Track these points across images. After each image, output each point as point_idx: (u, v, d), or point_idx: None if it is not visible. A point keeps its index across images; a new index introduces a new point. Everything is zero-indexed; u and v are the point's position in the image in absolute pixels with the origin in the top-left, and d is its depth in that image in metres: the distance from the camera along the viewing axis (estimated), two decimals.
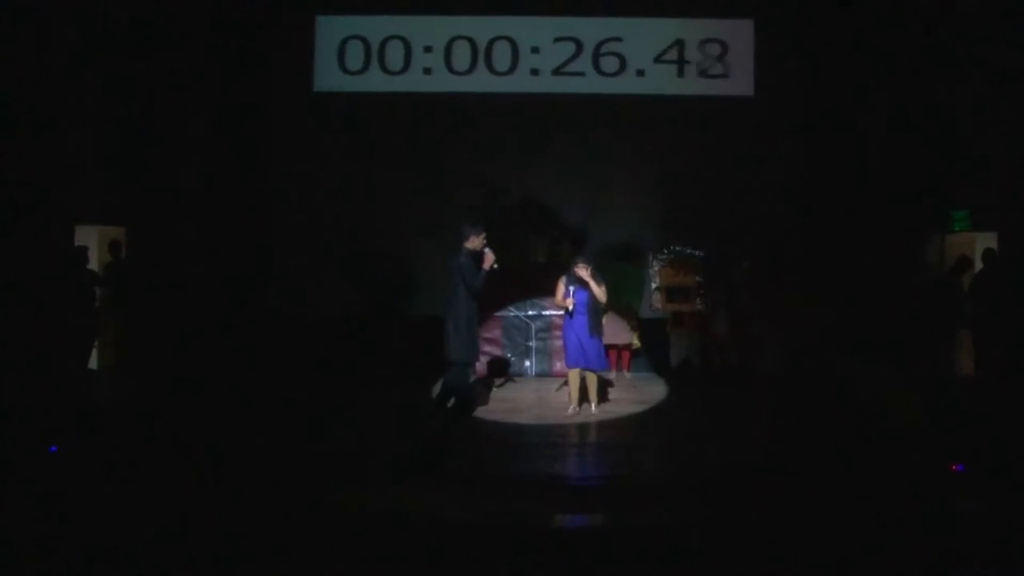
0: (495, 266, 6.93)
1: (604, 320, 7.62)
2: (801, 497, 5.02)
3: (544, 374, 9.82)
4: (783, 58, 10.21)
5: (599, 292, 7.27)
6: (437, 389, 7.01)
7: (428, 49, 10.40)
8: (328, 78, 10.40)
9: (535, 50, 10.41)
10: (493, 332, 9.84)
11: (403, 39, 10.41)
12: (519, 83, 10.34)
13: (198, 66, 9.88)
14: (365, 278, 10.11)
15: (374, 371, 9.33)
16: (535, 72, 10.42)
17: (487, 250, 6.99)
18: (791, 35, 10.14)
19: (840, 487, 5.14)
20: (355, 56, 10.42)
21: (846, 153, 9.85)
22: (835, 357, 8.88)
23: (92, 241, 9.10)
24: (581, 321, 7.28)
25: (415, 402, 7.83)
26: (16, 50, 8.12)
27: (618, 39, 10.37)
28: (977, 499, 4.85)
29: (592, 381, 7.39)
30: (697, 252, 9.86)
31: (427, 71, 10.41)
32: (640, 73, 10.40)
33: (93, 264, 8.95)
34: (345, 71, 10.45)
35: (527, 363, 9.92)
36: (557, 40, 10.41)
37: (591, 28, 10.36)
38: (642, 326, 9.79)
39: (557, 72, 10.42)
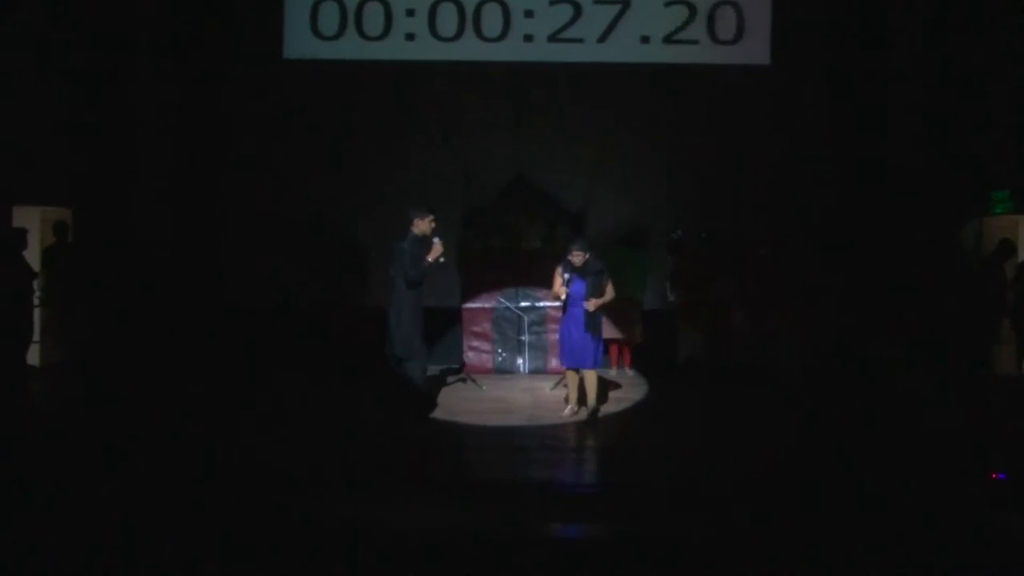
0: (441, 259, 7.02)
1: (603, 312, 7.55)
2: (823, 509, 4.99)
3: (538, 371, 9.80)
4: (802, 23, 10.13)
5: (609, 295, 7.20)
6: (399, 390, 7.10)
7: (410, 12, 10.31)
8: (300, 44, 10.32)
9: (529, 14, 10.33)
10: (482, 326, 9.84)
11: (383, 1, 10.33)
12: (511, 50, 10.27)
13: (155, 31, 9.78)
14: (338, 266, 10.12)
15: (343, 366, 9.32)
16: (529, 38, 10.35)
17: (436, 240, 7.04)
18: None
19: (868, 497, 5.11)
20: (329, 19, 10.34)
21: (872, 127, 9.76)
22: (862, 353, 8.81)
23: (34, 223, 9.01)
24: (577, 314, 7.23)
25: (382, 400, 7.78)
26: None
27: (621, 2, 10.30)
28: (1020, 510, 4.83)
29: (591, 380, 7.32)
30: (710, 236, 9.77)
31: (409, 37, 10.34)
32: (645, 40, 10.30)
33: (34, 249, 8.81)
34: (318, 36, 10.38)
35: (519, 359, 9.92)
36: (553, 3, 10.33)
37: None
38: (646, 318, 9.75)
39: (553, 38, 10.36)
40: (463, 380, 9.18)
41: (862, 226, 9.55)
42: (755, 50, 10.18)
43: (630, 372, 9.50)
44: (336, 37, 10.30)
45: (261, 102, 10.23)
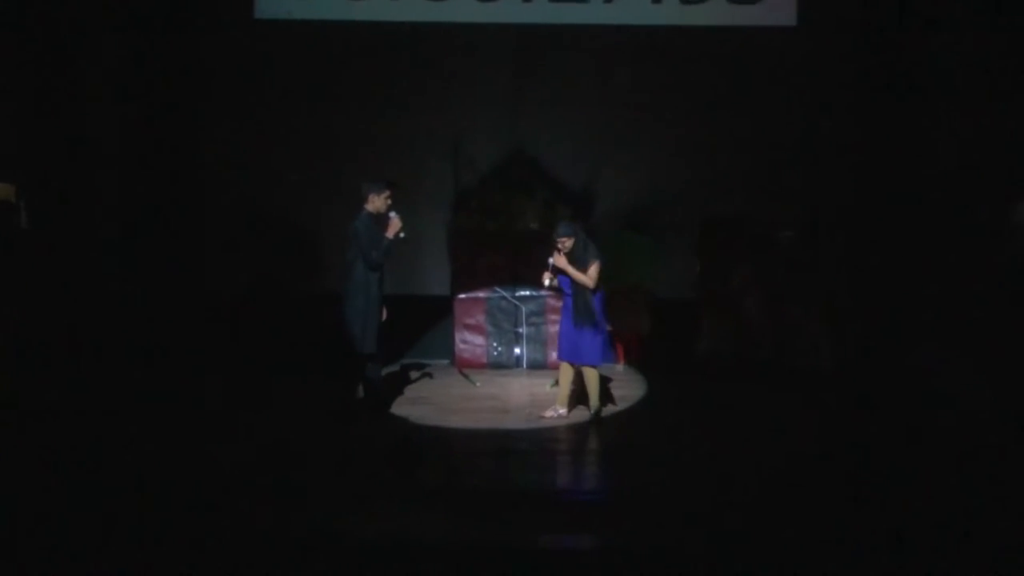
0: (401, 235, 7.07)
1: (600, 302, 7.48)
2: (854, 522, 4.95)
3: (538, 366, 9.75)
4: None
5: (576, 273, 7.08)
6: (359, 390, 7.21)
7: None
8: (273, 2, 10.15)
9: None
10: (475, 317, 9.81)
11: None
12: (508, 11, 10.12)
13: None
14: (316, 251, 10.10)
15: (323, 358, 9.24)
16: None
17: (392, 214, 7.09)
18: None
19: (903, 510, 5.10)
20: None
21: (908, 95, 9.56)
22: (898, 349, 8.70)
23: None
24: (570, 304, 7.23)
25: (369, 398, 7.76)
26: None
27: None
28: None
29: (591, 378, 7.25)
30: (736, 219, 9.71)
31: None
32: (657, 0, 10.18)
33: None
34: None
35: (517, 352, 9.88)
36: None
37: None
38: (655, 309, 9.69)
39: None
40: (456, 376, 9.22)
41: (899, 207, 9.37)
42: (780, 9, 10.03)
43: (620, 367, 9.45)
44: None
45: (229, 66, 10.09)
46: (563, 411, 7.44)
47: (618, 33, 10.06)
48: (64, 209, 8.74)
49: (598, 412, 7.27)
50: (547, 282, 7.21)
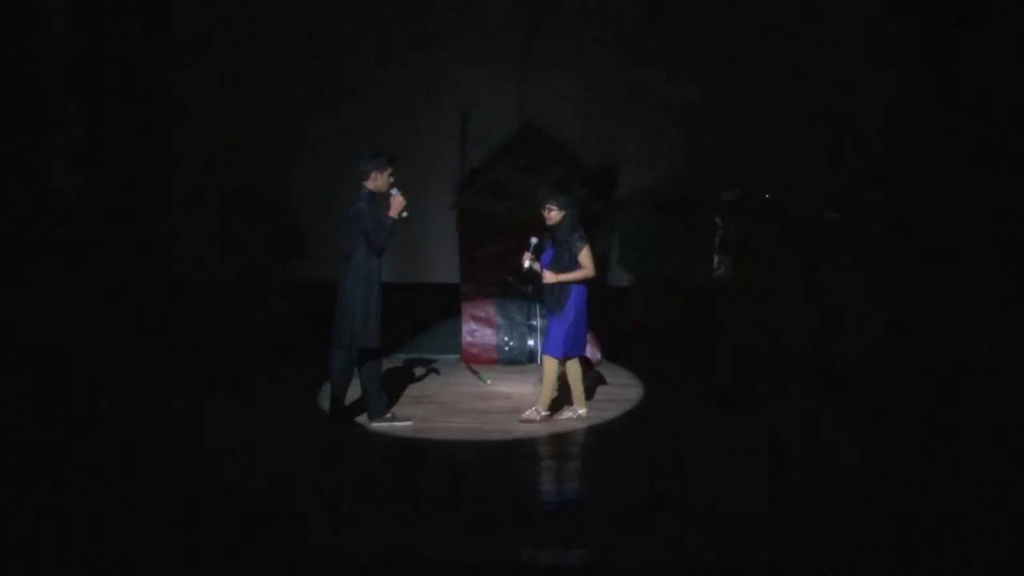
0: (405, 214, 7.01)
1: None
2: (897, 540, 4.92)
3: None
4: None
5: (574, 276, 7.12)
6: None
7: None
8: None
9: None
10: (484, 309, 9.82)
11: None
12: None
13: None
14: (298, 234, 10.21)
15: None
16: None
17: (395, 192, 7.03)
18: None
19: (951, 523, 5.08)
20: None
21: (962, 56, 9.37)
22: (948, 347, 8.58)
23: None
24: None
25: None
26: None
27: None
28: None
29: (571, 373, 7.29)
30: (766, 199, 9.69)
31: None
32: None
33: None
34: None
35: (530, 346, 9.85)
36: None
37: None
38: (687, 298, 9.72)
39: None
40: (464, 372, 9.21)
41: (953, 184, 9.22)
42: None
43: (598, 365, 9.09)
44: None
45: (199, 30, 10.04)
46: (582, 411, 7.46)
47: None
48: (19, 191, 8.78)
49: (544, 408, 7.31)
50: (526, 264, 7.23)
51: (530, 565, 4.78)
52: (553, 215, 7.15)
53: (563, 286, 7.15)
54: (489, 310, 9.74)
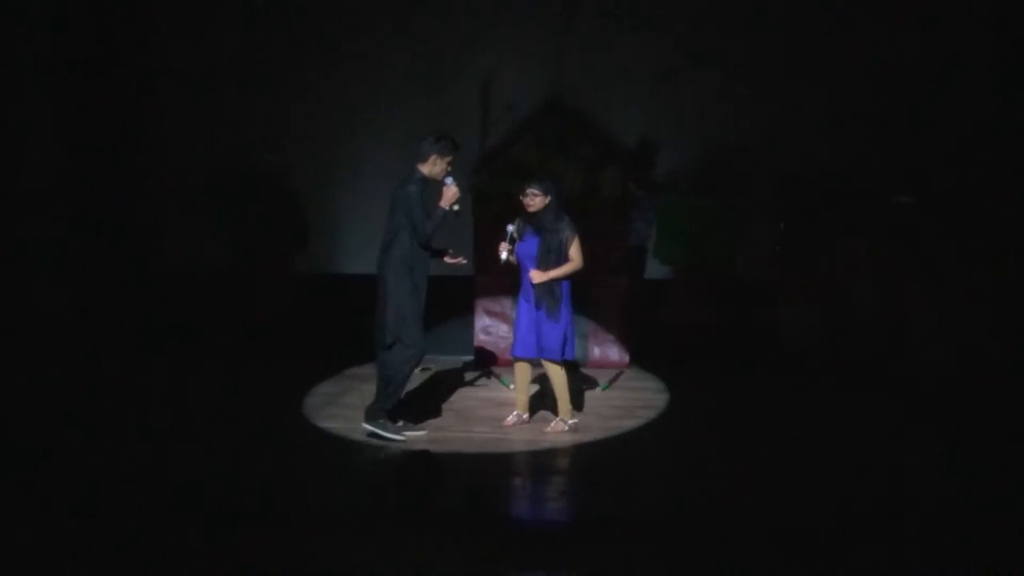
0: (456, 207, 7.01)
1: None
2: None
3: (577, 363, 9.43)
4: None
5: (562, 271, 7.15)
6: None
7: None
8: None
9: None
10: (501, 303, 9.73)
11: None
12: None
13: None
14: (298, 222, 10.32)
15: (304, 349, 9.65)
16: None
17: (449, 181, 7.00)
18: None
19: None
20: None
21: None
22: None
23: None
24: (529, 285, 7.21)
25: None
26: None
27: None
28: None
29: (556, 378, 7.24)
30: (826, 182, 9.58)
31: None
32: None
33: None
34: None
35: None
36: None
37: None
38: (728, 294, 9.68)
39: None
40: (486, 376, 9.20)
41: None
42: None
43: (601, 387, 8.96)
44: None
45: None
46: (526, 416, 7.45)
47: None
48: None
49: (569, 417, 7.33)
50: (503, 255, 7.19)
51: None
52: (536, 201, 7.11)
53: (557, 283, 7.12)
54: (506, 304, 9.59)
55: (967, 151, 9.39)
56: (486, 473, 6.47)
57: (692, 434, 7.53)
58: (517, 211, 9.22)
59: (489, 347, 9.73)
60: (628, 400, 8.29)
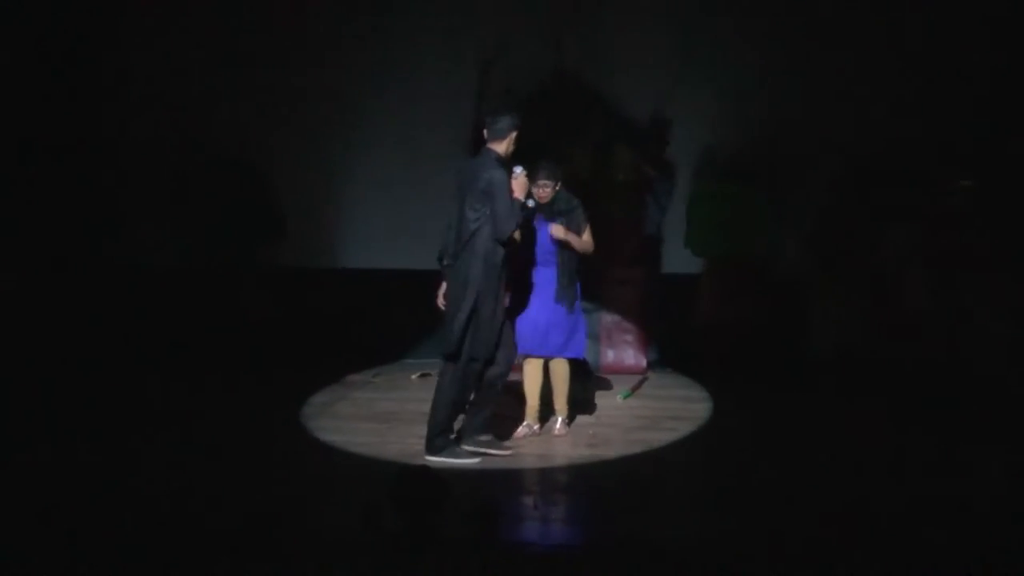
0: (531, 202, 6.98)
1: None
2: None
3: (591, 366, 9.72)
4: None
5: (578, 240, 7.31)
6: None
7: None
8: None
9: None
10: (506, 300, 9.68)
11: None
12: None
13: None
14: (273, 211, 10.36)
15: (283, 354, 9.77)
16: None
17: (519, 170, 6.88)
18: None
19: None
20: None
21: None
22: None
23: None
24: (545, 277, 7.34)
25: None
26: None
27: None
28: None
29: (560, 374, 7.41)
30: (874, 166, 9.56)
31: None
32: None
33: None
34: None
35: None
36: None
37: None
38: (765, 290, 9.66)
39: None
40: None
41: None
42: None
43: (621, 397, 9.09)
44: None
45: None
46: (537, 427, 7.49)
47: None
48: None
49: (561, 420, 7.49)
50: (529, 202, 7.10)
51: None
52: (548, 191, 7.18)
53: (571, 272, 7.28)
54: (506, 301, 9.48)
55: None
56: (493, 492, 6.37)
57: (726, 450, 7.44)
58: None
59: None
60: (653, 410, 8.20)
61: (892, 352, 9.28)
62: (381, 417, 8.03)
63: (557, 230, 7.14)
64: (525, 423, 7.42)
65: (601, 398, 8.57)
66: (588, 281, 9.60)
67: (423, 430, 7.31)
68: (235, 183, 10.36)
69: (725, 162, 9.92)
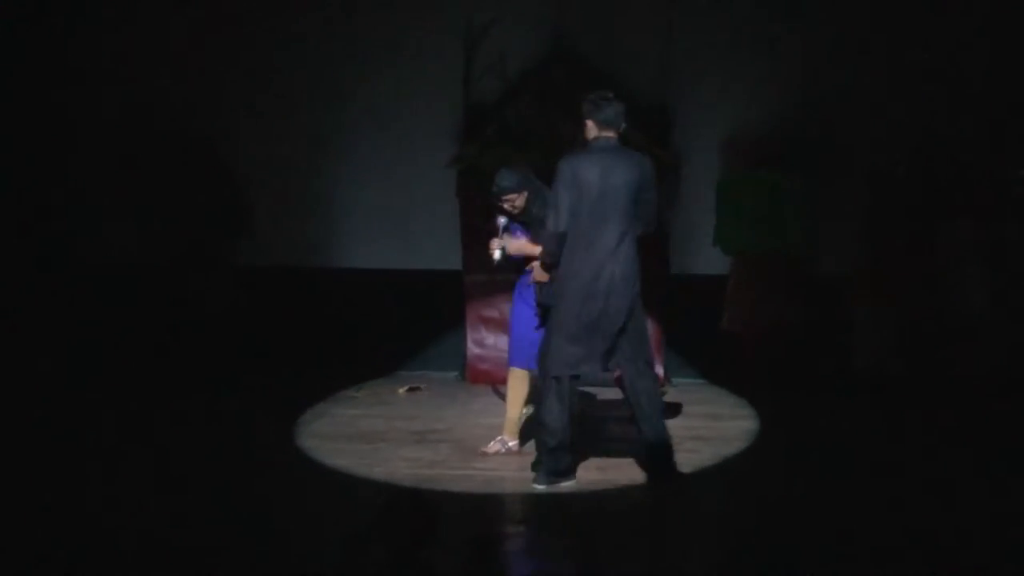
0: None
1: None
2: None
3: (593, 380, 9.51)
4: None
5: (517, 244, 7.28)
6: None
7: None
8: None
9: None
10: (497, 306, 9.64)
11: None
12: None
13: None
14: (243, 202, 10.36)
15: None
16: None
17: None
18: None
19: None
20: None
21: None
22: None
23: None
24: (525, 285, 7.34)
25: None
26: None
27: None
28: None
29: (523, 391, 7.45)
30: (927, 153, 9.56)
31: None
32: None
33: None
34: None
35: None
36: None
37: None
38: (802, 292, 9.67)
39: None
40: (479, 396, 9.30)
41: None
42: None
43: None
44: None
45: None
46: (513, 443, 7.49)
47: None
48: None
49: (513, 438, 7.50)
50: (497, 254, 7.27)
51: None
52: (518, 202, 7.16)
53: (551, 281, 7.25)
54: (503, 308, 9.09)
55: None
56: (487, 520, 6.37)
57: (756, 478, 7.30)
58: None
59: (482, 363, 9.76)
60: (672, 429, 7.80)
61: (947, 361, 9.31)
62: (365, 437, 7.95)
63: (540, 274, 7.02)
64: (499, 439, 7.42)
65: (610, 414, 8.49)
66: None
67: (412, 451, 7.38)
68: (196, 176, 10.36)
69: (759, 147, 9.82)
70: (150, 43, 10.21)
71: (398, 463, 7.16)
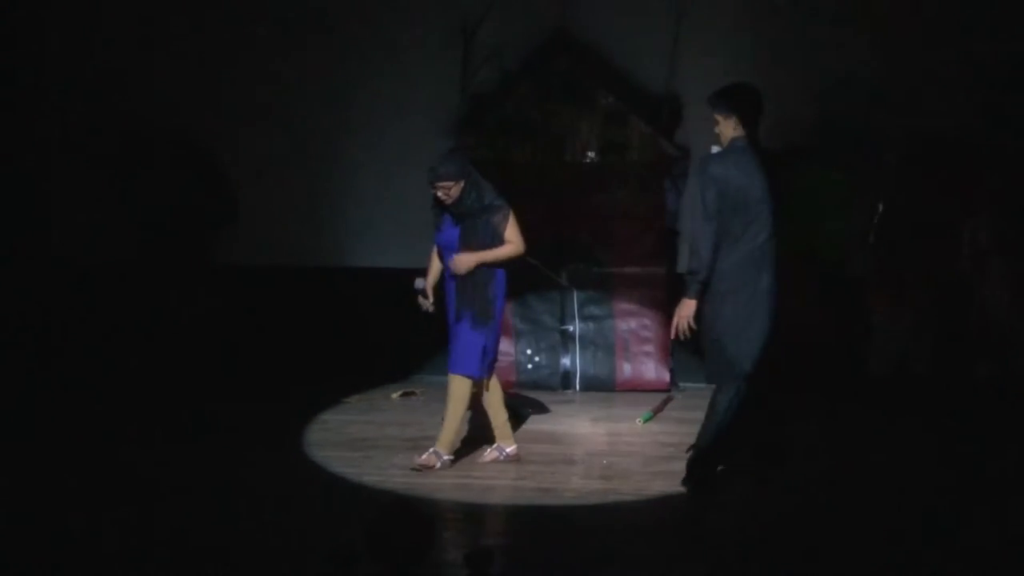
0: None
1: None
2: None
3: (600, 385, 9.84)
4: None
5: (492, 254, 7.34)
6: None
7: None
8: None
9: None
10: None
11: None
12: None
13: None
14: (229, 200, 10.42)
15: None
16: None
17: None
18: None
19: None
20: None
21: None
22: None
23: None
24: (452, 289, 7.51)
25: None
26: None
27: None
28: None
29: (461, 401, 7.39)
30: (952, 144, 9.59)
31: None
32: None
33: None
34: None
35: (565, 364, 10.01)
36: None
37: None
38: (834, 297, 9.74)
39: None
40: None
41: None
42: None
43: (639, 421, 9.17)
44: None
45: None
46: (510, 449, 7.60)
47: None
48: None
49: (448, 451, 7.48)
50: (423, 304, 7.57)
51: None
52: (452, 191, 7.20)
53: (490, 279, 7.29)
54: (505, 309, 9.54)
55: None
56: (487, 535, 6.42)
57: (768, 490, 7.23)
58: (512, 182, 9.21)
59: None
60: (680, 436, 8.10)
61: (972, 365, 9.33)
62: (356, 444, 7.99)
63: (465, 259, 7.21)
64: (432, 450, 7.41)
65: (618, 421, 8.60)
66: (595, 283, 9.94)
67: (405, 459, 7.38)
68: (177, 170, 10.43)
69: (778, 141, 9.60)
70: (150, 43, 10.24)
71: (390, 472, 7.20)
